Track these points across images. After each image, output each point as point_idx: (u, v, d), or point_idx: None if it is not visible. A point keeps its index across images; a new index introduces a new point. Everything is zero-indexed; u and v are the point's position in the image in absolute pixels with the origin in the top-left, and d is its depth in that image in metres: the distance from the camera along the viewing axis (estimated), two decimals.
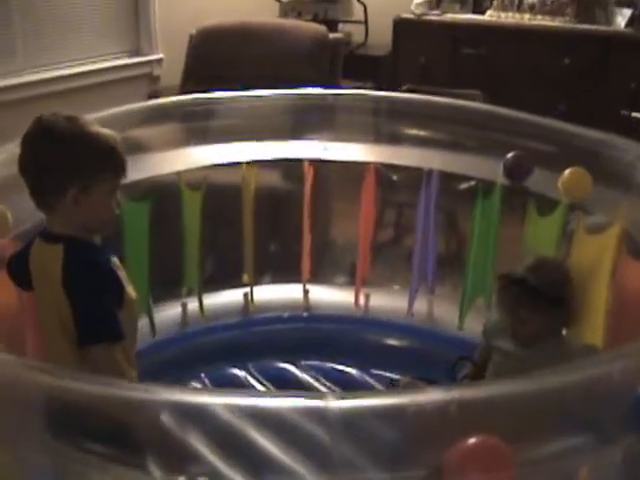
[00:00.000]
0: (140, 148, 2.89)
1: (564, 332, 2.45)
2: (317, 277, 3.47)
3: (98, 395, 1.38)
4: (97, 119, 2.61)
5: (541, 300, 2.29)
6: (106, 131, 1.94)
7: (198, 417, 1.35)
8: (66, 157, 1.87)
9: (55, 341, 1.96)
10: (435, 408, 1.26)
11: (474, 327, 2.89)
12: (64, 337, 1.91)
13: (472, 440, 1.24)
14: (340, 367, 3.08)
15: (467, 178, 3.21)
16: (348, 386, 2.89)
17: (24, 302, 2.23)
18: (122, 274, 1.99)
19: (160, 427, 1.35)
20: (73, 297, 1.86)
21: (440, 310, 3.32)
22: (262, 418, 1.30)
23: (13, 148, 2.38)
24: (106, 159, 1.92)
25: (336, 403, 1.22)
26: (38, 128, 1.90)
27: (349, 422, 1.23)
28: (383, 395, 1.35)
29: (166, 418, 1.34)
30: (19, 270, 2.01)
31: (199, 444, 1.32)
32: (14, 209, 2.31)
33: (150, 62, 5.16)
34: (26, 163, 1.91)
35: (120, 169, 1.96)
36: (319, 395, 1.27)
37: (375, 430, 1.26)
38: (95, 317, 1.88)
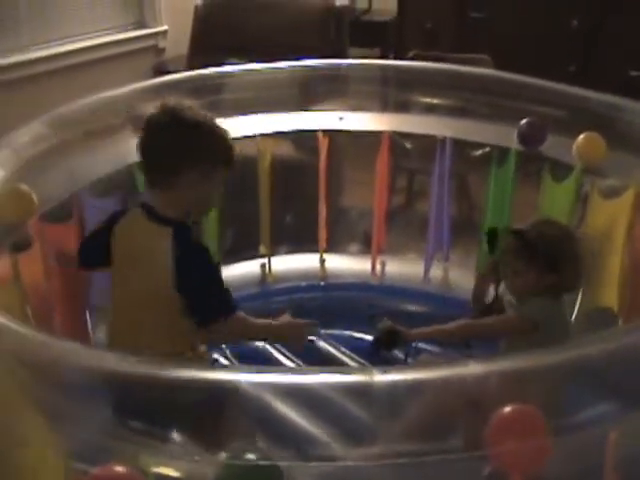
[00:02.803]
0: None
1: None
2: (333, 246, 3.49)
3: (140, 375, 1.43)
4: (110, 97, 2.66)
5: (535, 254, 2.31)
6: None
7: (240, 396, 1.39)
8: (196, 142, 2.00)
9: (142, 313, 2.05)
10: (475, 380, 1.30)
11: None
12: (155, 310, 2.02)
13: (509, 409, 1.28)
14: (359, 335, 3.11)
15: (481, 145, 3.22)
16: (367, 354, 2.92)
17: (54, 280, 2.27)
18: None
19: (203, 405, 1.39)
20: (188, 280, 1.97)
21: (455, 275, 3.36)
22: (306, 396, 1.34)
23: (37, 127, 2.41)
24: (227, 151, 2.06)
25: (381, 378, 1.26)
26: (166, 113, 2.00)
27: (393, 397, 1.27)
28: (424, 369, 1.38)
29: (209, 397, 1.37)
30: (93, 249, 2.14)
31: (243, 422, 1.36)
32: (39, 189, 2.33)
33: (155, 34, 5.16)
34: (151, 144, 2.02)
35: (232, 164, 2.08)
36: (364, 371, 1.30)
37: (413, 404, 1.29)
38: (216, 296, 2.04)
